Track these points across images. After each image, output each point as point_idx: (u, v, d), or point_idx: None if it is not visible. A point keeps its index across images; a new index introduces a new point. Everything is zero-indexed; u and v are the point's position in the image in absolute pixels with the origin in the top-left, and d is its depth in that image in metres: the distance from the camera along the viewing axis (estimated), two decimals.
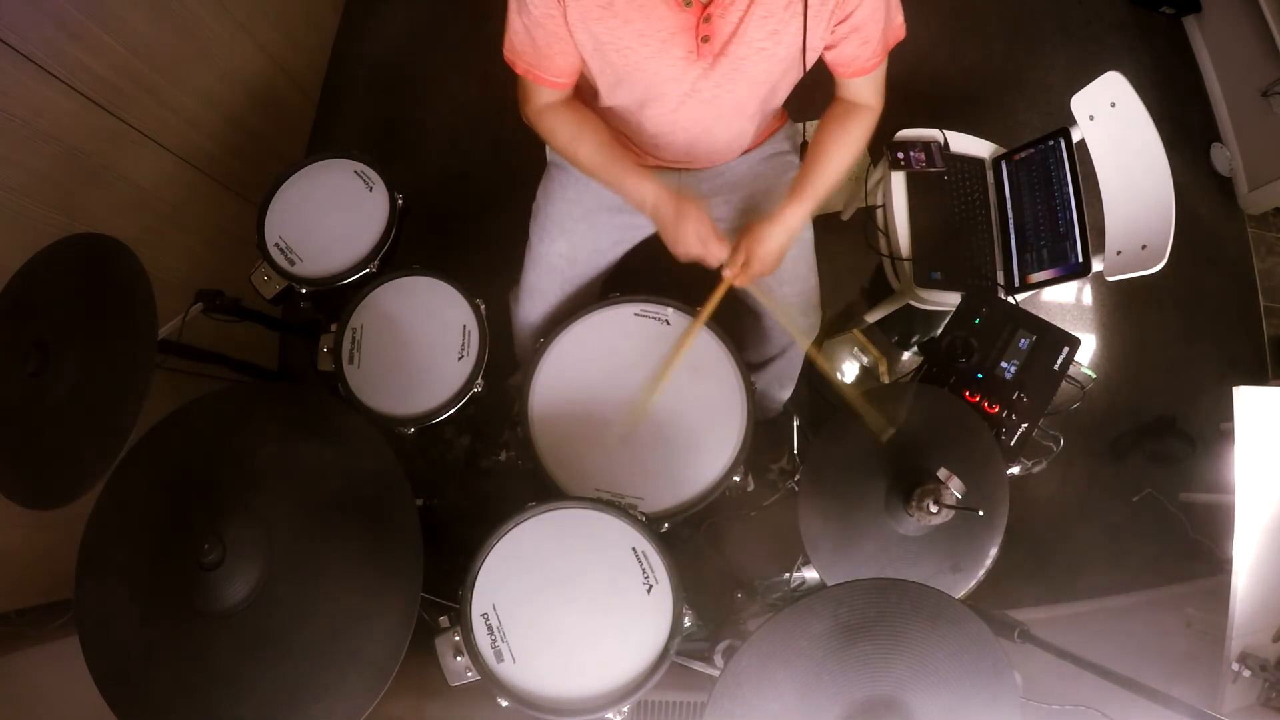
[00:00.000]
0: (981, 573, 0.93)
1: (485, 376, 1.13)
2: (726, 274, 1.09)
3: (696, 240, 1.06)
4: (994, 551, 0.94)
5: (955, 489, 0.85)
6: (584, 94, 1.14)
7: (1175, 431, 1.87)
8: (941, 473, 0.86)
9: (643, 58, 0.97)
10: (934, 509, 0.85)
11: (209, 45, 1.60)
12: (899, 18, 1.03)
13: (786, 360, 1.34)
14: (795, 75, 1.05)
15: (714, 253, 1.08)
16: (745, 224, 1.10)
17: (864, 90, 1.10)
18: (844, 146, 1.11)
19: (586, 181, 1.22)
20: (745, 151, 1.26)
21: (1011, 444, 1.09)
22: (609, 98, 1.08)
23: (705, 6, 0.90)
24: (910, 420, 0.99)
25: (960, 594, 0.92)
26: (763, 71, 1.00)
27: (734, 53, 0.96)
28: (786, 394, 1.47)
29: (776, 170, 1.28)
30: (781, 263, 1.12)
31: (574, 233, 1.24)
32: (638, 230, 1.29)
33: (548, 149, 1.33)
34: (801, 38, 0.95)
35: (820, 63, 1.06)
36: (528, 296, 1.27)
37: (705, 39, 0.94)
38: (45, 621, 1.21)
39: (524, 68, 1.03)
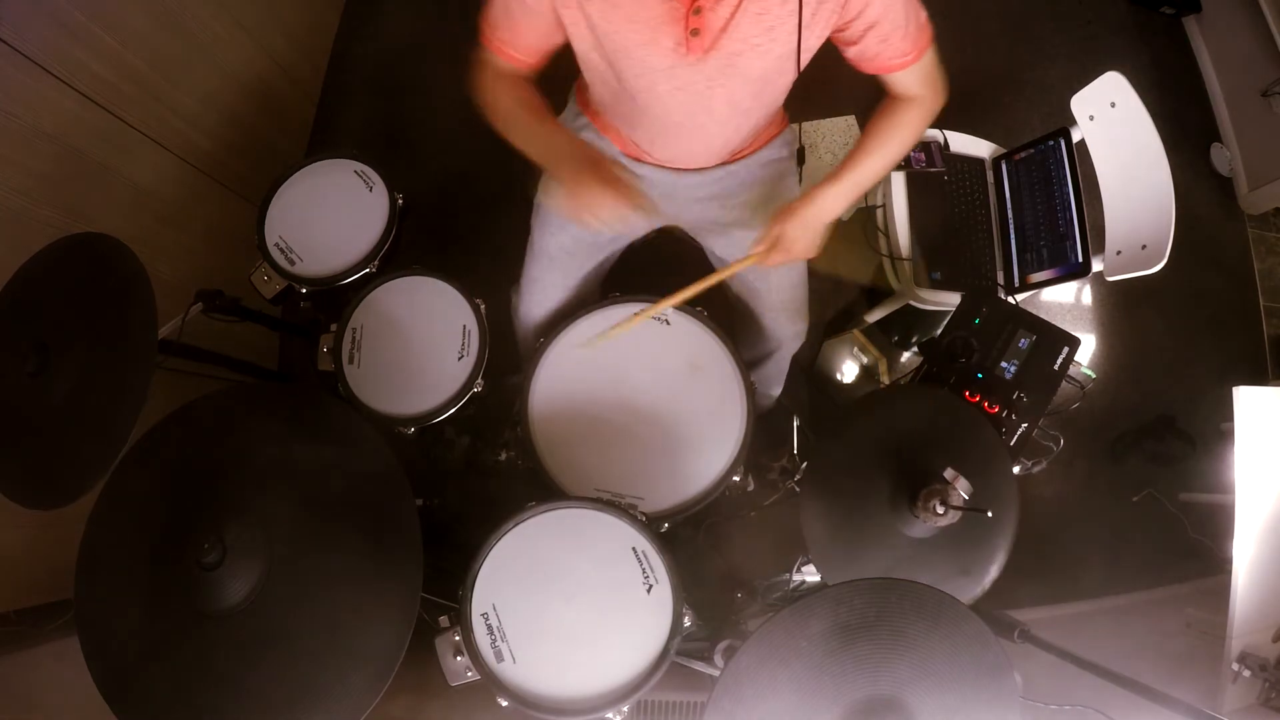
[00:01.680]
0: (992, 576, 0.92)
1: (485, 376, 1.13)
2: (756, 249, 1.07)
3: (606, 214, 0.99)
4: (1004, 554, 0.93)
5: (962, 490, 0.84)
6: (582, 86, 1.14)
7: (1175, 431, 1.87)
8: (948, 473, 0.85)
9: (632, 44, 0.96)
10: (940, 510, 0.84)
11: (209, 45, 1.60)
12: (924, 14, 1.00)
13: (776, 361, 1.34)
14: (791, 75, 1.04)
15: (613, 193, 0.99)
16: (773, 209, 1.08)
17: (907, 84, 1.06)
18: (890, 135, 1.07)
19: None
20: (743, 156, 1.26)
21: (1011, 444, 1.09)
22: (601, 89, 1.08)
23: None
24: (913, 418, 0.99)
25: (973, 598, 0.92)
26: (758, 69, 0.99)
27: (726, 48, 0.95)
28: (777, 390, 1.47)
29: (774, 176, 1.28)
30: (816, 251, 1.08)
31: (574, 225, 1.24)
32: (639, 225, 1.29)
33: None
34: (798, 34, 0.95)
35: (822, 61, 1.05)
36: (529, 290, 1.27)
37: (695, 32, 0.93)
38: (45, 621, 1.21)
39: (495, 43, 1.02)
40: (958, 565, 0.92)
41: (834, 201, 1.07)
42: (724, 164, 1.25)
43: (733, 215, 1.25)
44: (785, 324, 1.27)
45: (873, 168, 1.08)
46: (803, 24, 0.92)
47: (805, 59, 1.00)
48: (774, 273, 1.17)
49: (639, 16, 0.93)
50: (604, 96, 1.11)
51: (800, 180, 1.35)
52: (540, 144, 1.06)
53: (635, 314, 1.14)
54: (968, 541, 0.92)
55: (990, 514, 0.85)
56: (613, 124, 1.20)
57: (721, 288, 1.30)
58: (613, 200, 0.99)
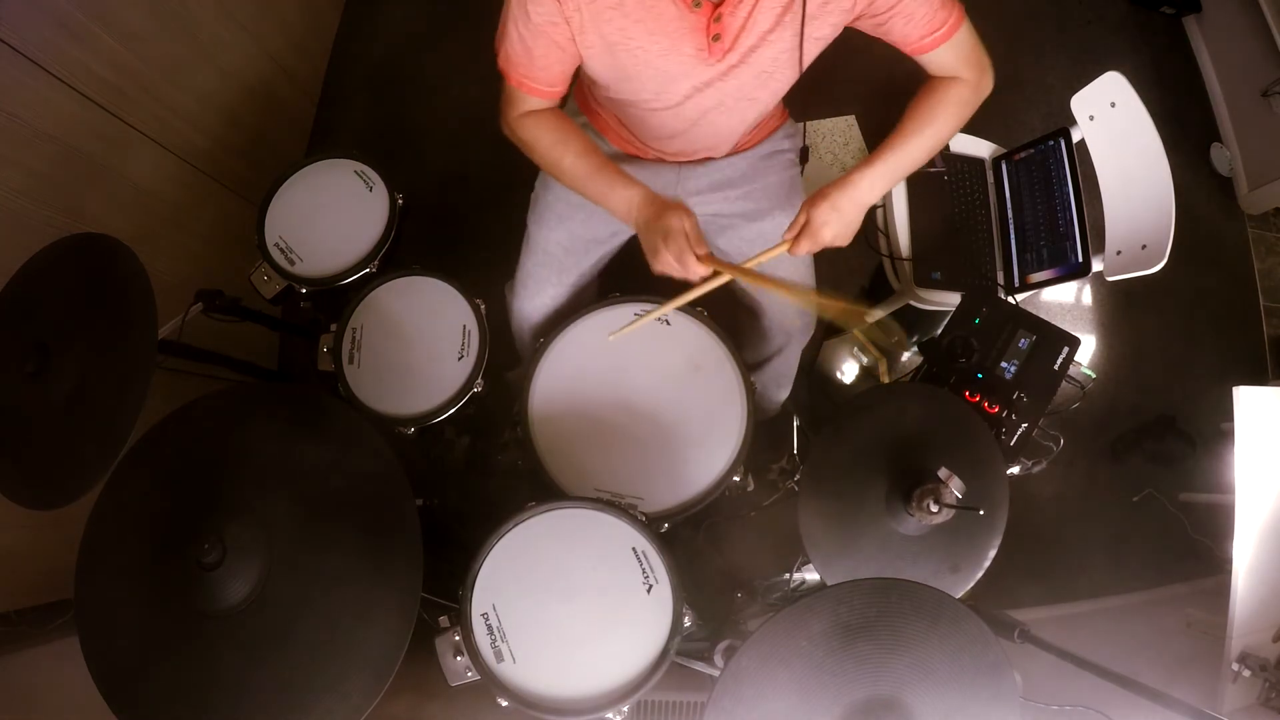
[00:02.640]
0: (980, 573, 0.93)
1: (485, 376, 1.14)
2: (786, 235, 1.03)
3: (679, 233, 0.98)
4: (993, 552, 0.94)
5: (955, 488, 0.85)
6: (585, 85, 1.13)
7: (1175, 431, 1.87)
8: (942, 472, 0.86)
9: (653, 56, 0.96)
10: (934, 508, 0.85)
11: (209, 45, 1.60)
12: None
13: (783, 359, 1.34)
14: (796, 64, 1.03)
15: (693, 259, 0.98)
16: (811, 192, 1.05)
17: (944, 63, 1.02)
18: (931, 117, 1.03)
19: None
20: (745, 148, 1.26)
21: (1011, 444, 1.09)
22: (613, 92, 1.08)
23: (716, 6, 0.90)
24: (912, 417, 0.99)
25: (960, 594, 0.92)
26: (769, 60, 0.99)
27: (743, 44, 0.95)
28: (784, 394, 1.47)
29: (775, 168, 1.28)
30: (849, 239, 1.04)
31: (572, 221, 1.24)
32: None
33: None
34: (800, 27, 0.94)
35: (822, 61, 1.05)
36: (523, 286, 1.27)
37: (716, 37, 0.93)
38: (45, 621, 1.21)
39: (517, 78, 1.02)
40: (949, 562, 0.93)
41: (870, 185, 1.02)
42: (726, 156, 1.25)
43: (735, 207, 1.25)
44: (793, 315, 1.26)
45: (913, 152, 1.03)
46: (806, 15, 0.92)
47: (810, 49, 0.98)
48: (780, 262, 1.16)
49: (659, 30, 0.93)
50: (614, 102, 1.11)
51: (801, 175, 1.35)
52: (599, 200, 1.07)
53: (666, 303, 1.12)
54: (959, 539, 0.93)
55: (981, 512, 0.85)
56: (616, 124, 1.20)
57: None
58: (678, 243, 0.98)
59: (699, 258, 0.99)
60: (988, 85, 1.06)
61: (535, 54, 0.98)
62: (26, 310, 0.96)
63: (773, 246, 1.06)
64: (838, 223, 1.02)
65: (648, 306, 1.16)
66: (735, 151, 1.25)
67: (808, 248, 1.03)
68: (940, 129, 1.04)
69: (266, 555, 0.78)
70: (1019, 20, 2.33)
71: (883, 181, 1.03)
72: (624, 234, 1.30)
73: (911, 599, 0.68)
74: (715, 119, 1.12)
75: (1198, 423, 1.89)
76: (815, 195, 1.03)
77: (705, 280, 1.03)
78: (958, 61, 1.02)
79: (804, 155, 1.34)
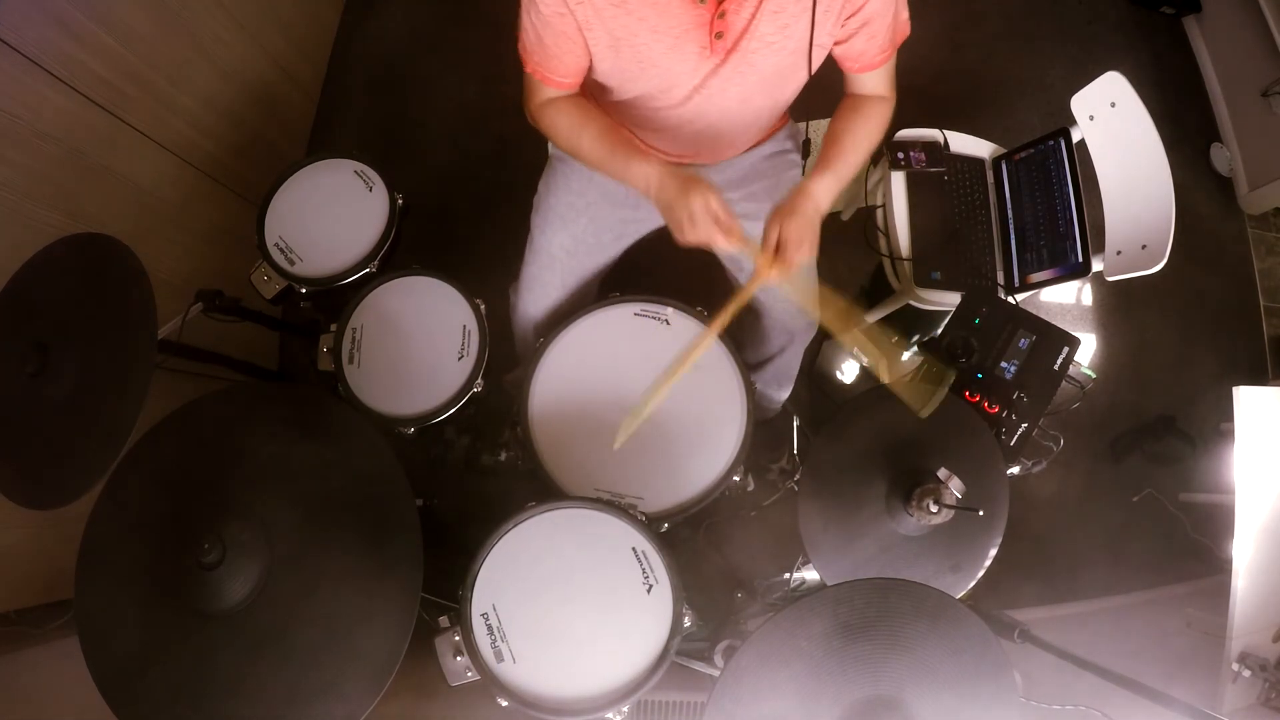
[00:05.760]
0: (980, 573, 0.93)
1: (485, 376, 1.14)
2: (759, 262, 1.02)
3: (704, 214, 0.97)
4: (993, 551, 0.94)
5: (955, 489, 0.85)
6: (589, 88, 1.14)
7: (1175, 431, 1.87)
8: (942, 473, 0.86)
9: (656, 54, 0.97)
10: (934, 509, 0.85)
11: (209, 45, 1.60)
12: (905, 14, 1.03)
13: (784, 359, 1.34)
14: (803, 73, 1.05)
15: (722, 236, 0.98)
16: (770, 210, 1.04)
17: (875, 84, 1.11)
18: (861, 132, 1.09)
19: (589, 174, 1.23)
20: (748, 148, 1.26)
21: (1011, 444, 1.09)
22: (617, 93, 1.08)
23: (720, 2, 0.91)
24: (912, 418, 0.99)
25: (960, 594, 0.92)
26: (772, 65, 1.00)
27: (745, 47, 0.96)
28: (785, 394, 1.47)
29: (778, 168, 1.28)
30: (816, 247, 1.03)
31: (575, 225, 1.24)
32: (640, 224, 1.29)
33: (549, 143, 1.33)
34: (810, 31, 0.95)
35: (826, 62, 1.06)
36: (527, 289, 1.27)
37: (719, 35, 0.94)
38: (45, 621, 1.21)
39: (533, 66, 1.04)
40: (949, 562, 0.93)
41: (828, 193, 1.04)
42: (727, 158, 1.25)
43: (738, 209, 1.25)
44: (798, 314, 1.26)
45: (855, 163, 1.08)
46: (815, 20, 0.93)
47: (817, 54, 1.00)
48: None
49: (663, 27, 0.94)
50: (620, 105, 1.12)
51: (805, 172, 1.35)
52: (620, 178, 1.07)
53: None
54: (959, 539, 0.93)
55: (981, 513, 0.85)
56: (621, 120, 1.20)
57: (728, 281, 1.30)
58: (705, 217, 0.98)
59: (731, 239, 1.00)
60: (893, 104, 1.15)
61: (547, 43, 0.99)
62: (26, 310, 0.96)
63: (755, 277, 1.03)
64: (812, 237, 1.01)
65: (648, 307, 1.16)
66: (737, 153, 1.25)
67: (791, 268, 1.02)
68: (872, 142, 1.12)
69: (266, 555, 0.78)
70: (1019, 20, 2.33)
71: (835, 190, 1.07)
72: (628, 237, 1.30)
73: (911, 599, 0.68)
74: (721, 125, 1.13)
75: (1198, 423, 1.89)
76: (782, 212, 1.01)
77: (705, 335, 1.04)
78: (885, 82, 1.11)
79: (805, 149, 1.34)
